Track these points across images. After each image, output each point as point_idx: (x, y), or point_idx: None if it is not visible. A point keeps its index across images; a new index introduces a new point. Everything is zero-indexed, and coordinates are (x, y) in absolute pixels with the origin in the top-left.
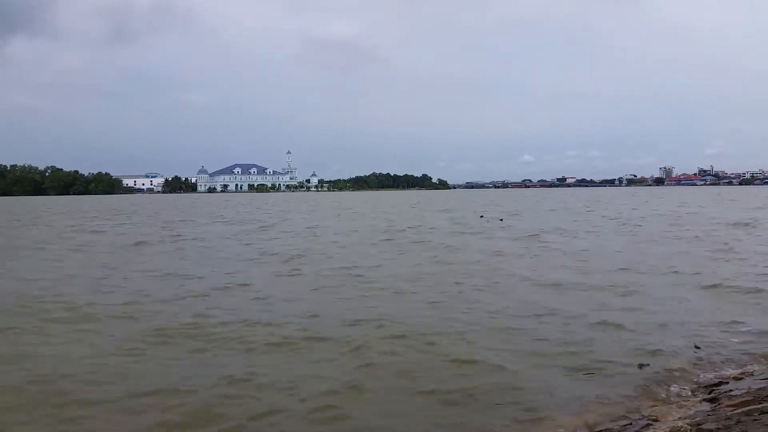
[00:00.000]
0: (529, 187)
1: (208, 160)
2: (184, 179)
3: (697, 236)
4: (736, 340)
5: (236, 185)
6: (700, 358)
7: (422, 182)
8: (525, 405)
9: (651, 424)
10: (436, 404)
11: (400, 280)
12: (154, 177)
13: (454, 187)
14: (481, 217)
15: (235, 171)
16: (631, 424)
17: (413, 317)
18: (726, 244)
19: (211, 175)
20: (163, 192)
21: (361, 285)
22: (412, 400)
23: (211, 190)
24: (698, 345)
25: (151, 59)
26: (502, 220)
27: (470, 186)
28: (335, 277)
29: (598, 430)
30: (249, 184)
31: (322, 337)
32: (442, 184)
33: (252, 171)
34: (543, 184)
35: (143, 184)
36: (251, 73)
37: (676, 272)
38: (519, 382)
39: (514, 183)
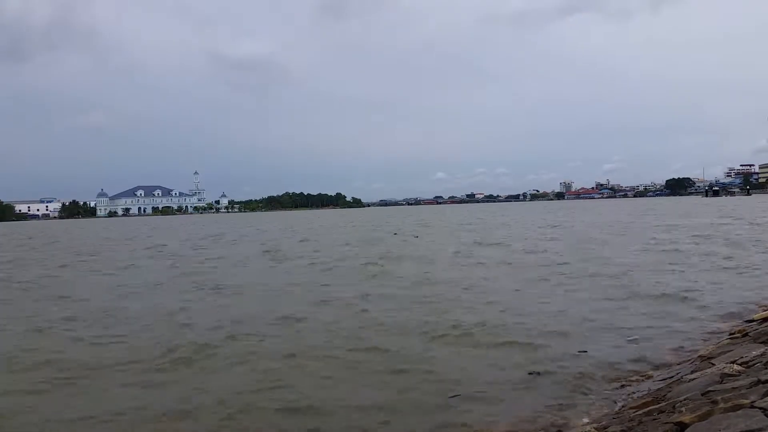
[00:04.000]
0: (441, 203)
1: (108, 183)
2: (82, 203)
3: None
4: (629, 344)
5: (139, 208)
6: (600, 364)
7: (336, 201)
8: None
9: (561, 431)
10: None
11: None
12: (50, 202)
13: (368, 205)
14: (395, 234)
15: (138, 193)
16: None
17: None
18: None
19: (112, 198)
20: (60, 218)
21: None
22: None
23: (112, 214)
24: (584, 350)
25: (47, 78)
26: (417, 236)
27: (384, 203)
28: None
29: None
30: (153, 207)
31: None
32: (357, 203)
33: (156, 193)
34: (453, 200)
35: (38, 210)
36: (156, 93)
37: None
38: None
39: (426, 200)
